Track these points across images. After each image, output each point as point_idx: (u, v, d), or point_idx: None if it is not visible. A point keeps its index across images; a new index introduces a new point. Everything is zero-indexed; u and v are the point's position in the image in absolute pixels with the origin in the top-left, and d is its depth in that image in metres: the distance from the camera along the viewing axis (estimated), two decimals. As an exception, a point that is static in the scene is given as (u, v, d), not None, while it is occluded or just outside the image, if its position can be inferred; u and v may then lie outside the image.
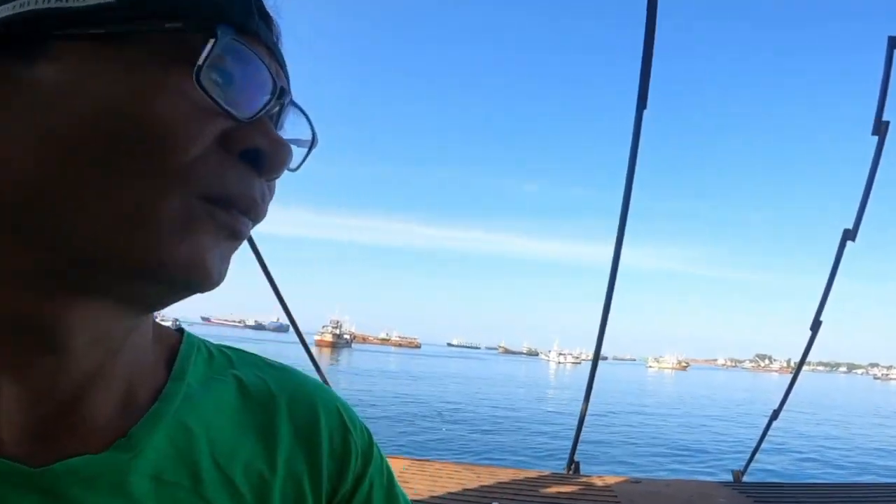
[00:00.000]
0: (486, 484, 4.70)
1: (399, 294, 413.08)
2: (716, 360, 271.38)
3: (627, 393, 42.10)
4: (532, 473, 5.29)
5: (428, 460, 5.66)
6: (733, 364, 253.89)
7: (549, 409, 27.40)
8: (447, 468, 5.25)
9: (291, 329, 6.20)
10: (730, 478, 5.66)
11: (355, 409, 0.47)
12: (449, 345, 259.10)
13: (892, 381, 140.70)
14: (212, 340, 0.42)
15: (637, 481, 5.17)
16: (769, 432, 6.14)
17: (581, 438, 5.59)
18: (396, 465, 5.16)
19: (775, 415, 5.99)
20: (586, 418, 5.64)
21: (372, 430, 0.47)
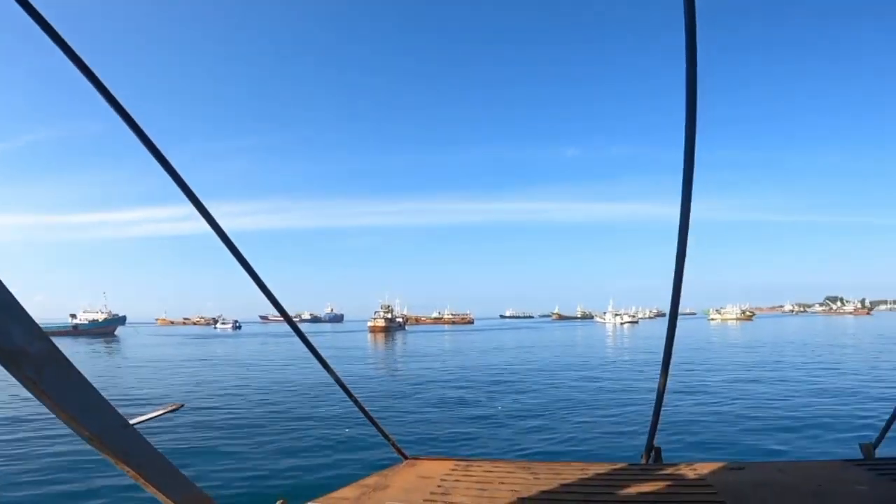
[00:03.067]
0: (546, 489, 3.71)
1: (449, 273, 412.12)
2: (782, 306, 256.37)
3: (690, 351, 39.61)
4: (602, 467, 4.23)
5: (474, 459, 4.74)
6: (801, 309, 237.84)
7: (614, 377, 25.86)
8: (498, 468, 4.30)
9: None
10: (858, 454, 4.34)
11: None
12: (502, 316, 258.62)
13: None
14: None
15: (740, 467, 4.01)
16: None
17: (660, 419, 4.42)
18: (440, 469, 4.26)
19: None
20: (665, 394, 4.43)
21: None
